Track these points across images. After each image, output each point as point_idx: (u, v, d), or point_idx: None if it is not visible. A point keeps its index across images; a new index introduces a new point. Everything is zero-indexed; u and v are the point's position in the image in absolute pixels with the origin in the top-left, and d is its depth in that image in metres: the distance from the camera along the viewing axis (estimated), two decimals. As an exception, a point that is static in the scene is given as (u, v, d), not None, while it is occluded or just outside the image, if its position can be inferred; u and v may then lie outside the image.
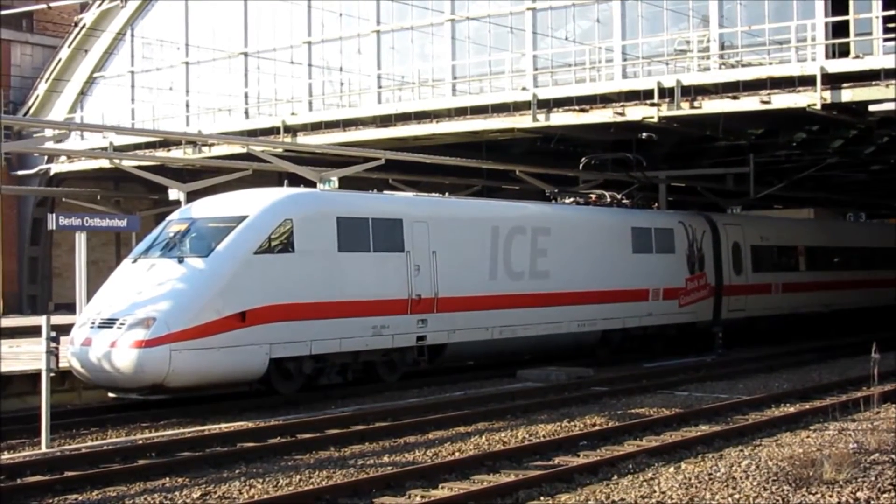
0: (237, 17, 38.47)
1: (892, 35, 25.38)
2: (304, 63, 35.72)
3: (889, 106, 24.17)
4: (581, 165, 32.15)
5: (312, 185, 24.33)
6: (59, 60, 43.06)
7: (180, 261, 18.46)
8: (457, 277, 21.99)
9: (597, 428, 15.97)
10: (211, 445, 14.96)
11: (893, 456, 13.10)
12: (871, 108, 24.99)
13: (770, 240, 32.31)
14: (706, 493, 11.53)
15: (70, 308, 31.81)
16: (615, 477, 12.47)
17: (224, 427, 16.49)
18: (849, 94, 25.14)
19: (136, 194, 44.17)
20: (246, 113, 37.95)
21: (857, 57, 25.16)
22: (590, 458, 13.62)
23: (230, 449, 14.63)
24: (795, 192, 40.13)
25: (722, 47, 28.41)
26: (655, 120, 28.00)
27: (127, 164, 34.24)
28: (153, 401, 18.15)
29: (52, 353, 15.04)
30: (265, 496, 11.73)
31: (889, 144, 37.09)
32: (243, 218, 19.01)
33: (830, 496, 11.27)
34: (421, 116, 32.49)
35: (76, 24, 43.10)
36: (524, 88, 30.76)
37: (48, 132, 39.10)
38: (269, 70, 36.22)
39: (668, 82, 27.53)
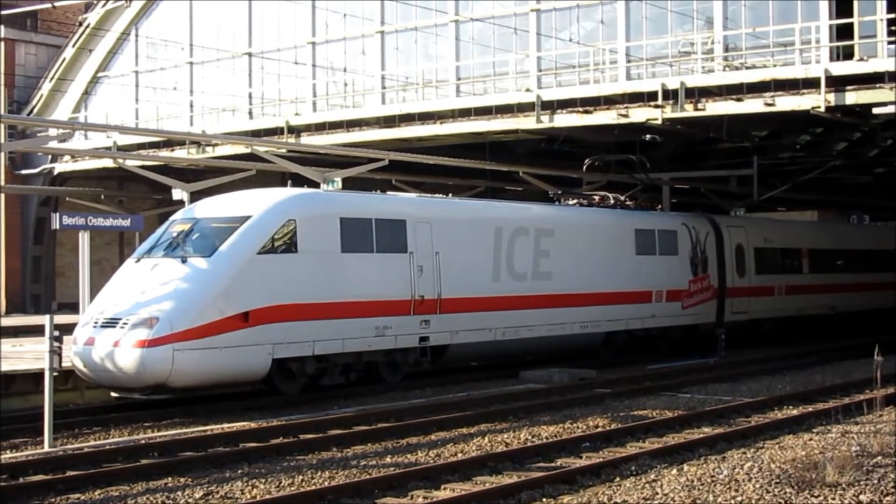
0: (241, 17, 38.50)
1: (897, 38, 25.40)
2: (308, 63, 35.71)
3: (893, 108, 24.15)
4: (585, 167, 32.16)
5: (316, 185, 24.34)
6: (64, 60, 43.11)
7: (183, 261, 18.46)
8: (460, 278, 21.98)
9: (599, 429, 15.98)
10: (213, 445, 14.97)
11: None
12: (875, 110, 24.98)
13: (773, 242, 32.30)
14: (708, 496, 11.53)
15: (73, 307, 31.82)
16: (617, 478, 12.47)
17: (226, 427, 16.50)
18: (853, 97, 25.13)
19: (139, 194, 44.21)
20: (250, 113, 37.97)
21: (862, 59, 25.15)
22: (592, 459, 13.62)
23: (232, 449, 14.64)
24: (799, 194, 40.12)
25: (726, 49, 28.39)
26: (659, 121, 28.01)
27: (131, 163, 34.28)
28: (156, 400, 18.15)
29: (56, 353, 15.05)
30: (267, 496, 11.73)
31: (893, 147, 37.09)
32: (247, 218, 19.02)
33: (833, 499, 11.26)
34: (425, 117, 32.48)
35: (80, 24, 43.16)
36: (528, 90, 30.76)
37: (52, 131, 39.11)
38: (272, 70, 36.23)
39: (672, 84, 27.54)
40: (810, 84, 25.60)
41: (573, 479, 12.35)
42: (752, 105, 26.54)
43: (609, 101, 28.96)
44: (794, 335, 32.17)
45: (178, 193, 28.47)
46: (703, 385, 21.79)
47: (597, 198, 28.61)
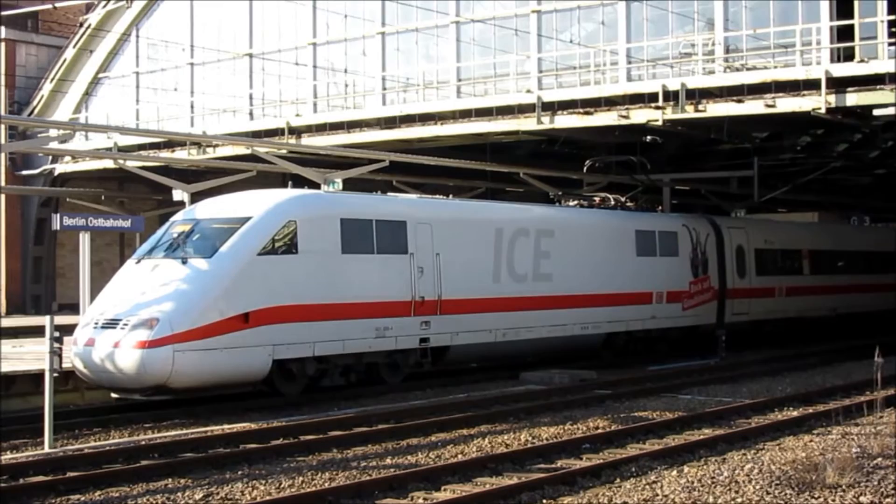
0: (242, 18, 38.50)
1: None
2: (309, 64, 35.73)
3: (893, 110, 24.14)
4: (585, 168, 32.16)
5: (316, 186, 24.34)
6: (64, 61, 43.12)
7: (184, 261, 18.46)
8: (460, 279, 21.98)
9: (599, 431, 15.98)
10: (214, 446, 14.97)
11: (896, 460, 13.11)
12: (876, 112, 24.98)
13: (774, 243, 32.30)
14: (709, 497, 11.53)
15: (74, 308, 31.84)
16: (618, 480, 12.48)
17: (227, 428, 16.51)
18: (853, 98, 25.13)
19: (140, 195, 44.22)
20: (250, 114, 37.98)
21: (862, 61, 25.15)
22: (592, 460, 13.62)
23: (233, 450, 14.64)
24: (800, 195, 40.11)
25: (727, 50, 28.39)
26: (660, 123, 28.00)
27: (131, 164, 34.27)
28: (156, 401, 18.17)
29: (56, 354, 15.05)
30: (268, 497, 11.73)
31: (893, 148, 37.07)
32: (247, 219, 19.01)
33: (833, 500, 11.27)
34: (425, 118, 32.48)
35: (81, 25, 43.17)
36: (529, 91, 30.75)
37: (53, 132, 39.14)
38: (273, 71, 36.24)
39: (673, 85, 27.53)
40: (811, 85, 25.60)
41: (573, 481, 12.35)
42: (753, 106, 26.54)
43: (610, 103, 28.95)
44: (794, 336, 32.17)
45: (178, 194, 28.45)
46: (704, 386, 21.80)
47: (597, 199, 28.62)
